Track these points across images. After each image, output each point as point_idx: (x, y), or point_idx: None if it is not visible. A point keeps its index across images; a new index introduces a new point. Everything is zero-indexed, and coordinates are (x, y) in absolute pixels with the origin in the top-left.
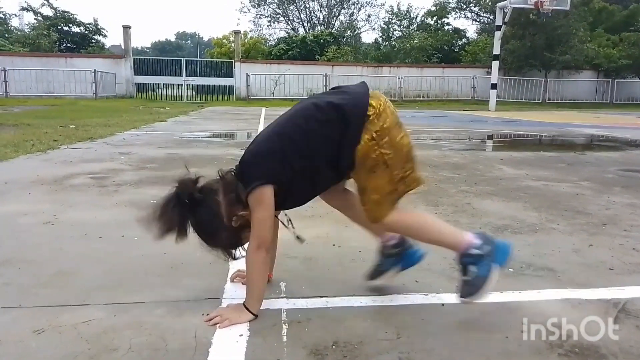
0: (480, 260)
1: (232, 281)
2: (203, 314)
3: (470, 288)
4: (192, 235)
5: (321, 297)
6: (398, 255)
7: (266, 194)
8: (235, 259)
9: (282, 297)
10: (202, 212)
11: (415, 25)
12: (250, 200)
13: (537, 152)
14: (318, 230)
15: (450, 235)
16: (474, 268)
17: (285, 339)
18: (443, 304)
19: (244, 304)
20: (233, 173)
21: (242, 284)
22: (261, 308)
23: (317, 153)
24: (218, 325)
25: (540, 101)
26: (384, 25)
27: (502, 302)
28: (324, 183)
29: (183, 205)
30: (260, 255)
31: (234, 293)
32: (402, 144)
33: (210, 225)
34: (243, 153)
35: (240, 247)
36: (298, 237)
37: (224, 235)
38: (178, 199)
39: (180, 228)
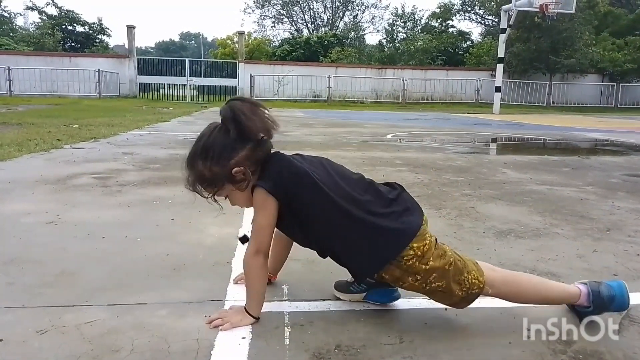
0: (594, 312)
1: (235, 283)
2: (205, 316)
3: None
4: (192, 236)
5: (324, 300)
6: (374, 286)
7: (269, 202)
8: (194, 190)
9: (285, 300)
10: (224, 136)
11: (419, 28)
12: (254, 197)
13: (542, 156)
14: None
15: (559, 291)
16: (589, 317)
17: (287, 342)
18: (446, 309)
19: (245, 308)
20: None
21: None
22: (264, 311)
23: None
24: (220, 327)
25: (544, 104)
26: (388, 27)
27: (505, 307)
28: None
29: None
30: (258, 261)
31: (237, 295)
32: (446, 263)
33: (216, 149)
34: (295, 153)
35: (204, 191)
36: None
37: (215, 169)
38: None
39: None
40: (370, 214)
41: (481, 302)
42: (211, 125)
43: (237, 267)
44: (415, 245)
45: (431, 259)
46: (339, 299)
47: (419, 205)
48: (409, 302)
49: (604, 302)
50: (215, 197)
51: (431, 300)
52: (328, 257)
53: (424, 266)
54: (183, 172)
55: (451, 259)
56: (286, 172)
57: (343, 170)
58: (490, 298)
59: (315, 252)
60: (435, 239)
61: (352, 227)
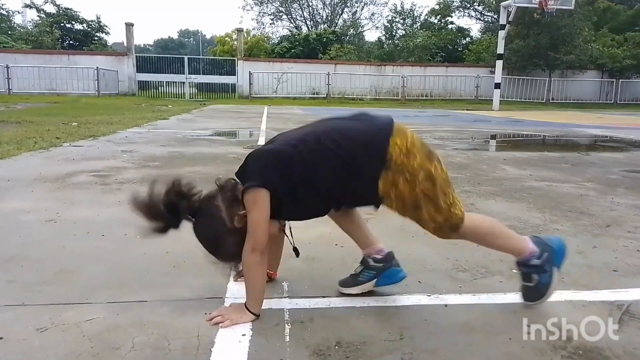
0: (542, 268)
1: (235, 281)
2: (206, 313)
3: (534, 294)
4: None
5: (324, 297)
6: (381, 270)
7: (261, 195)
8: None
9: (285, 297)
10: (202, 220)
11: (418, 24)
12: (245, 199)
13: (541, 152)
14: (320, 230)
15: (516, 241)
16: (536, 276)
17: (287, 339)
18: (446, 305)
19: (245, 305)
20: (232, 180)
21: None
22: (264, 308)
23: (320, 178)
24: (220, 325)
25: (544, 101)
26: (387, 24)
27: (505, 304)
28: (318, 208)
29: (178, 216)
30: (256, 257)
31: (237, 292)
32: (437, 174)
33: (213, 230)
34: (253, 150)
35: None
36: (295, 249)
37: (230, 240)
38: (174, 214)
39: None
40: (343, 145)
41: (480, 299)
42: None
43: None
44: (398, 140)
45: (417, 154)
46: (341, 295)
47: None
48: (409, 298)
49: (544, 241)
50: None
51: (431, 296)
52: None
53: (412, 161)
54: (222, 265)
55: (437, 164)
56: (264, 159)
57: (305, 128)
58: (491, 294)
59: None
60: (418, 136)
61: (341, 155)
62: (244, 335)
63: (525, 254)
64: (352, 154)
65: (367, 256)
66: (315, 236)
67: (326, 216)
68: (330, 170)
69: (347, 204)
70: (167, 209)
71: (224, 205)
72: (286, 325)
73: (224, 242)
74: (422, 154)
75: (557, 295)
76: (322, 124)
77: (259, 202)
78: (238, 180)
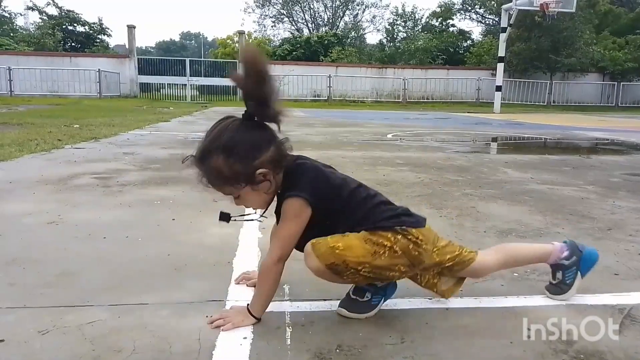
0: (567, 269)
1: (236, 283)
2: (207, 316)
3: (556, 289)
4: (193, 236)
5: (325, 300)
6: (384, 290)
7: (305, 211)
8: (207, 185)
9: (286, 300)
10: (257, 135)
11: (420, 27)
12: (290, 206)
13: (542, 155)
14: None
15: (540, 249)
16: (559, 275)
17: (289, 342)
18: (447, 309)
19: (247, 308)
20: (291, 157)
21: (247, 286)
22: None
23: (356, 209)
24: (221, 328)
25: (545, 104)
26: (389, 27)
27: (507, 307)
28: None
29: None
30: (279, 268)
31: (238, 295)
32: (392, 271)
33: (242, 147)
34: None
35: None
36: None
37: (236, 167)
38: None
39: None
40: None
41: (482, 302)
42: (229, 119)
43: (238, 267)
44: (423, 236)
45: (416, 252)
46: (339, 297)
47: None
48: (410, 301)
49: (577, 246)
50: (227, 193)
51: (432, 300)
52: None
53: (411, 249)
54: (194, 165)
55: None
56: (322, 183)
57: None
58: (492, 297)
59: None
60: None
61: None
62: (245, 338)
63: (554, 256)
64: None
65: None
66: None
67: None
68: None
69: None
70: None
71: (272, 155)
72: (287, 328)
73: (233, 161)
74: (416, 259)
75: (559, 299)
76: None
77: (301, 217)
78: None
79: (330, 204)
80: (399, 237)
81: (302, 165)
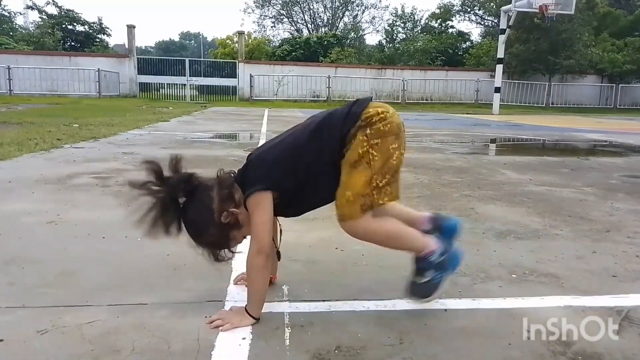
0: (437, 267)
1: (235, 284)
2: (206, 316)
3: (423, 290)
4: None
5: (324, 301)
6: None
7: (265, 198)
8: (218, 260)
9: (285, 301)
10: (194, 204)
11: (419, 28)
12: (249, 203)
13: (541, 156)
14: (321, 234)
15: (419, 240)
16: (429, 274)
17: (287, 342)
18: (446, 310)
19: (245, 308)
20: (232, 174)
21: (246, 286)
22: (264, 311)
23: (322, 159)
24: (220, 328)
25: (543, 105)
26: (388, 28)
27: (505, 309)
28: (327, 191)
29: (174, 201)
30: (261, 260)
31: (237, 295)
32: (392, 154)
33: (200, 218)
34: (251, 156)
35: (225, 250)
36: (278, 253)
37: (212, 231)
38: (169, 195)
39: (170, 222)
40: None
41: (480, 303)
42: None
43: (237, 267)
44: (379, 109)
45: (390, 126)
46: (341, 298)
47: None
48: (409, 302)
49: (446, 249)
50: (236, 244)
51: (432, 302)
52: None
53: (380, 126)
54: (199, 252)
55: (397, 153)
56: (266, 166)
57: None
58: (490, 299)
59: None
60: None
61: (332, 127)
62: (244, 338)
63: (427, 250)
64: (332, 119)
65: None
66: (316, 240)
67: (329, 218)
68: (322, 148)
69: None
70: (172, 178)
71: (217, 198)
72: (286, 329)
73: (206, 230)
74: (392, 129)
75: (557, 300)
76: (319, 114)
77: (263, 204)
78: (236, 177)
79: (287, 171)
80: (366, 130)
81: (243, 169)
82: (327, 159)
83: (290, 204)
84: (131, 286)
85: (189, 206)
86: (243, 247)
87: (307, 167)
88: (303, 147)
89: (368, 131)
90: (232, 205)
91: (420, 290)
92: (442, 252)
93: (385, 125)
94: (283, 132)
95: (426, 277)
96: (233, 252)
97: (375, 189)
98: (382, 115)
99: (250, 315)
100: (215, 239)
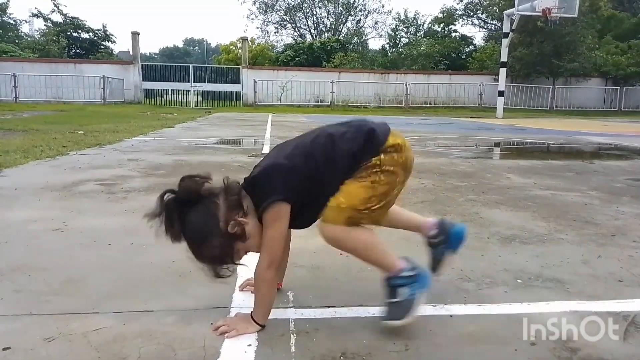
0: (410, 282)
1: (241, 290)
2: (211, 323)
3: (399, 310)
4: None
5: (329, 307)
6: (445, 242)
7: (284, 210)
8: (219, 276)
9: (290, 307)
10: (199, 210)
11: (422, 32)
12: (267, 214)
13: (545, 160)
14: None
15: (389, 257)
16: (404, 290)
17: (293, 349)
18: (451, 316)
19: (251, 315)
20: (239, 182)
21: (252, 292)
22: (269, 318)
23: (334, 176)
24: (225, 335)
25: (548, 108)
26: (391, 32)
27: (511, 314)
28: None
29: (181, 203)
30: (271, 273)
31: (243, 302)
32: (395, 186)
33: (204, 226)
34: (261, 163)
35: (228, 265)
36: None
37: (216, 242)
38: (176, 198)
39: (175, 225)
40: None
41: (486, 309)
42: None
43: (243, 274)
44: (399, 140)
45: (401, 161)
46: (346, 305)
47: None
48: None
49: (414, 265)
50: (238, 260)
51: (437, 307)
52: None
53: (396, 157)
54: (199, 267)
55: (401, 185)
56: (277, 177)
57: (303, 137)
58: (496, 304)
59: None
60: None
61: (350, 141)
62: (249, 345)
63: (397, 268)
64: (366, 135)
65: (426, 238)
66: (320, 245)
67: None
68: (336, 162)
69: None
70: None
71: (224, 206)
72: (292, 335)
73: (210, 240)
74: (405, 162)
75: (562, 306)
76: (329, 126)
77: (282, 217)
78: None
79: (302, 181)
80: (381, 155)
81: (252, 179)
82: (338, 176)
83: (301, 214)
84: (137, 293)
85: (192, 213)
86: (244, 260)
87: (319, 181)
88: (316, 158)
89: (382, 156)
90: (240, 215)
91: (394, 311)
92: (412, 268)
93: (399, 157)
94: (289, 141)
95: (398, 296)
96: (236, 265)
97: (368, 210)
98: (399, 147)
99: (256, 322)
100: (218, 251)
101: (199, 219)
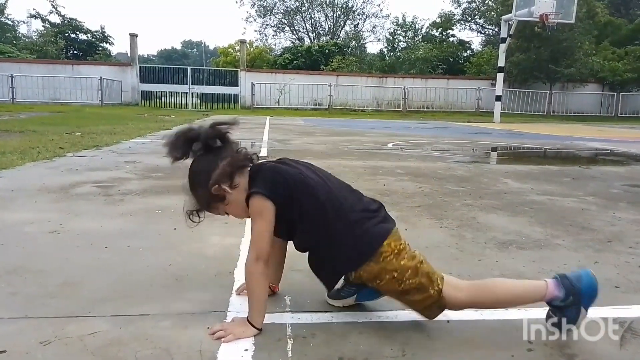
0: (566, 309)
1: (237, 294)
2: (208, 327)
3: (561, 325)
4: (194, 245)
5: (326, 311)
6: (360, 288)
7: (266, 207)
8: (190, 219)
9: (287, 312)
10: (204, 159)
11: (420, 37)
12: (251, 204)
13: (542, 165)
14: None
15: (530, 287)
16: (560, 314)
17: (290, 354)
18: (448, 321)
19: (247, 319)
20: (251, 159)
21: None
22: (266, 322)
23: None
24: (222, 339)
25: (544, 114)
26: (389, 36)
27: (508, 320)
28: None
29: (195, 141)
30: (259, 267)
31: (239, 306)
32: (418, 260)
33: (197, 175)
34: (277, 161)
35: (200, 215)
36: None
37: (200, 192)
38: (197, 135)
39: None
40: (354, 212)
41: (483, 315)
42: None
43: (240, 277)
44: (392, 242)
45: (405, 257)
46: (343, 309)
47: (392, 219)
48: (411, 314)
49: (572, 283)
50: (216, 213)
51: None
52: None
53: (401, 262)
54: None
55: (421, 258)
56: (280, 177)
57: (327, 174)
58: (494, 310)
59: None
60: (408, 244)
61: (338, 224)
62: (246, 350)
63: (547, 297)
64: (344, 235)
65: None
66: None
67: None
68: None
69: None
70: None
71: (219, 171)
72: (288, 340)
73: (196, 188)
74: (409, 257)
75: None
76: (348, 186)
77: (264, 215)
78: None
79: (295, 201)
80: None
81: (263, 165)
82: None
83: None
84: (133, 297)
85: (200, 158)
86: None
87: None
88: (326, 206)
89: (395, 274)
90: (228, 184)
91: (568, 314)
92: (566, 297)
93: (404, 258)
94: (304, 162)
95: (558, 318)
96: (201, 219)
97: (436, 287)
98: (399, 249)
99: (252, 326)
100: (199, 199)
101: (197, 168)
